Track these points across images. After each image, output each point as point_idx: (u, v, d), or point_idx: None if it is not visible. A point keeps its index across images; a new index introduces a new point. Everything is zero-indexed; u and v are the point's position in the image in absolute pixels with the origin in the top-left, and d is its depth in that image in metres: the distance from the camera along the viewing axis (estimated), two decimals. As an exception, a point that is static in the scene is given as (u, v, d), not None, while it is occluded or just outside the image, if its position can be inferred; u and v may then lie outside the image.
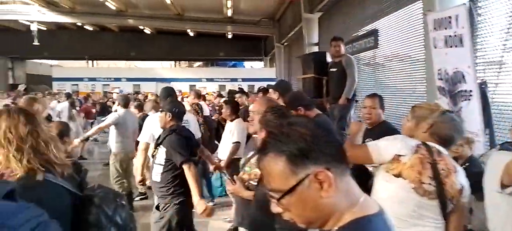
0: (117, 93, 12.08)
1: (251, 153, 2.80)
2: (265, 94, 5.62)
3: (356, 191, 0.99)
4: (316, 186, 0.92)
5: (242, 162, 2.80)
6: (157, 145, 3.42)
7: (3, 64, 24.71)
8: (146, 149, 4.24)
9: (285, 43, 17.54)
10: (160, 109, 3.67)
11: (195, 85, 21.98)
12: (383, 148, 2.00)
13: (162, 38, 23.80)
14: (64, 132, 2.72)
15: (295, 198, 0.93)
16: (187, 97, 14.54)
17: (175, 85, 21.20)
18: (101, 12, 18.07)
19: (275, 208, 0.98)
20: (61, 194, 1.62)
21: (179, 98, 12.83)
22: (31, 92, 14.49)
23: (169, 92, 4.83)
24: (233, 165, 4.83)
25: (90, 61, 27.10)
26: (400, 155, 1.93)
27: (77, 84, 22.72)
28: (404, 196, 1.90)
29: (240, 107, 5.72)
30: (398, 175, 1.92)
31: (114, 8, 17.21)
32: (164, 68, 28.60)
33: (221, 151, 5.22)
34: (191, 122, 4.72)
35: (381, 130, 3.11)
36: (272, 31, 18.76)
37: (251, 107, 2.74)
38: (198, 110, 6.05)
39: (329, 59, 5.76)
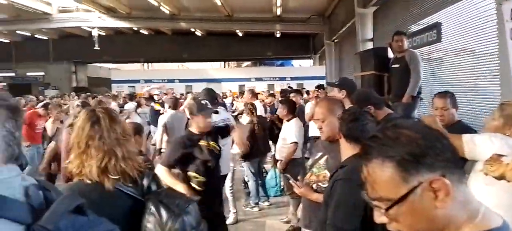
0: (157, 94, 12.33)
1: (319, 154, 2.70)
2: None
3: (474, 201, 0.88)
4: (430, 195, 0.83)
5: (309, 163, 2.71)
6: None
7: (68, 68, 26.54)
8: None
9: (336, 40, 17.12)
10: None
11: (244, 85, 22.22)
12: (480, 143, 1.82)
13: (212, 39, 24.29)
14: (138, 131, 2.79)
15: (405, 208, 0.84)
16: (236, 97, 14.77)
17: (225, 86, 21.68)
18: (156, 16, 18.78)
19: (379, 218, 0.89)
20: (126, 201, 1.59)
21: (229, 98, 12.93)
22: (93, 94, 15.47)
23: (211, 93, 4.71)
24: (290, 166, 4.77)
25: (145, 64, 28.29)
26: (500, 155, 1.74)
27: (134, 86, 23.86)
28: (509, 200, 1.71)
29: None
30: (500, 177, 1.73)
31: (167, 12, 17.82)
32: (214, 68, 29.19)
33: (278, 151, 5.16)
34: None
35: (457, 131, 2.87)
36: (322, 28, 18.40)
37: (316, 109, 2.61)
38: (252, 109, 6.05)
39: (390, 54, 5.48)
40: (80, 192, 1.45)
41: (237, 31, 22.02)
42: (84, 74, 28.45)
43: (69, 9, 19.01)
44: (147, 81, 24.76)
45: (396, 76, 5.04)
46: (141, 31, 22.78)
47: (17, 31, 22.14)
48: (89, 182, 1.54)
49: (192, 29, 21.90)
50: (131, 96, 12.05)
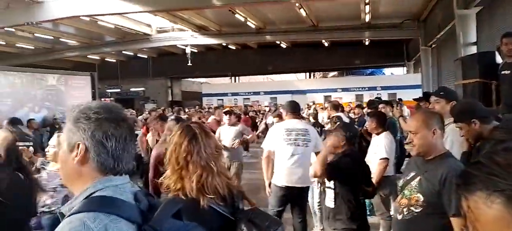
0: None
1: (412, 174, 2.35)
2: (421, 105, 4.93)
3: None
4: None
5: (400, 183, 2.37)
6: None
7: (164, 83, 28.83)
8: (269, 156, 4.27)
9: (433, 45, 15.75)
10: (331, 133, 3.56)
11: (330, 96, 21.65)
12: None
13: (297, 50, 24.27)
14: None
15: None
16: (321, 108, 14.37)
17: (310, 97, 21.38)
18: (243, 31, 19.43)
19: None
20: (217, 219, 1.60)
21: (311, 110, 12.63)
22: (186, 107, 16.47)
23: (294, 106, 4.62)
24: (382, 184, 4.35)
25: (233, 77, 29.42)
26: None
27: (222, 99, 24.92)
28: None
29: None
30: None
31: (254, 26, 18.30)
32: (299, 80, 29.07)
33: None
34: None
35: None
36: (417, 33, 17.10)
37: (409, 121, 2.29)
38: (337, 121, 5.72)
39: (498, 60, 4.73)
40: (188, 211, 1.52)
41: (323, 41, 21.65)
42: (178, 89, 30.60)
43: (165, 29, 20.67)
44: (234, 94, 25.70)
45: (507, 84, 4.30)
46: (229, 46, 23.75)
47: (123, 52, 24.78)
48: (184, 197, 1.56)
49: (277, 42, 22.13)
50: (216, 109, 12.45)
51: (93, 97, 11.97)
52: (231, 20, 17.29)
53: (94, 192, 0.99)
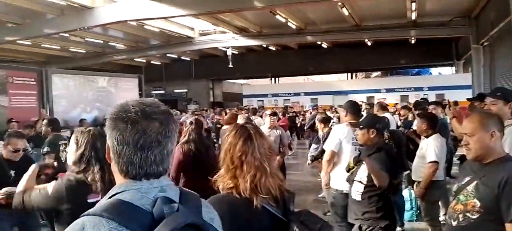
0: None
1: (467, 179, 2.22)
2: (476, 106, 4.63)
3: None
4: None
5: (454, 188, 2.25)
6: (357, 161, 3.22)
7: (206, 85, 29.44)
8: (332, 158, 4.04)
9: (485, 43, 14.85)
10: (359, 125, 3.41)
11: (373, 97, 21.06)
12: None
13: (338, 50, 23.86)
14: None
15: None
16: (363, 110, 13.96)
17: (353, 98, 20.90)
18: (283, 32, 19.41)
19: None
20: (270, 220, 1.61)
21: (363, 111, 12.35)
22: (227, 108, 16.71)
23: (355, 106, 4.35)
24: (431, 189, 4.16)
25: (273, 78, 29.45)
26: None
27: (262, 100, 25.03)
28: None
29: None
30: None
31: (294, 27, 18.21)
32: (340, 80, 28.55)
33: (415, 170, 4.56)
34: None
35: None
36: (467, 30, 16.23)
37: (465, 122, 2.15)
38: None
39: None
40: (230, 205, 1.53)
41: (366, 40, 21.11)
42: (219, 90, 31.13)
43: (208, 32, 21.11)
44: (274, 95, 25.72)
45: None
46: (270, 47, 23.80)
47: (167, 54, 25.59)
48: (238, 196, 1.58)
49: (318, 42, 21.88)
50: (255, 111, 12.49)
51: (140, 99, 12.45)
52: (271, 21, 17.32)
53: (116, 193, 0.98)
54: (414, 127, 5.97)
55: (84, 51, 23.59)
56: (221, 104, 24.85)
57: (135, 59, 26.00)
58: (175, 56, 26.81)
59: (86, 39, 19.78)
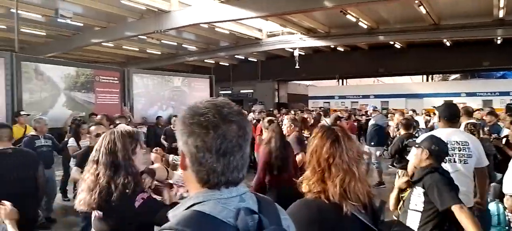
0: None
1: None
2: None
3: None
4: None
5: None
6: (413, 183, 2.75)
7: (272, 86, 29.58)
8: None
9: None
10: (416, 145, 2.96)
11: (451, 101, 19.53)
12: None
13: (413, 51, 22.52)
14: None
15: None
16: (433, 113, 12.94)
17: (427, 102, 19.60)
18: (353, 32, 18.82)
19: None
20: (359, 227, 1.52)
21: (421, 116, 11.43)
22: (292, 109, 16.62)
23: (452, 108, 3.70)
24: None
25: (340, 80, 28.70)
26: None
27: (328, 102, 24.50)
28: None
29: None
30: None
31: (365, 26, 17.57)
32: (414, 83, 26.94)
33: (507, 183, 4.07)
34: None
35: None
36: None
37: None
38: (473, 130, 5.03)
39: None
40: (319, 210, 1.49)
41: (444, 40, 19.67)
42: (285, 91, 31.10)
43: (275, 33, 21.19)
44: (341, 97, 25.04)
45: None
46: (338, 48, 23.26)
47: (235, 56, 26.19)
48: (327, 201, 1.53)
49: (391, 42, 20.87)
50: (326, 112, 12.20)
51: (211, 98, 12.90)
52: (341, 21, 16.88)
53: (194, 204, 0.92)
54: (504, 133, 5.40)
55: (159, 53, 25.03)
56: (286, 106, 24.79)
57: (205, 60, 27.00)
58: (243, 58, 27.33)
59: (161, 41, 20.96)
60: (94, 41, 18.92)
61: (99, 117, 6.60)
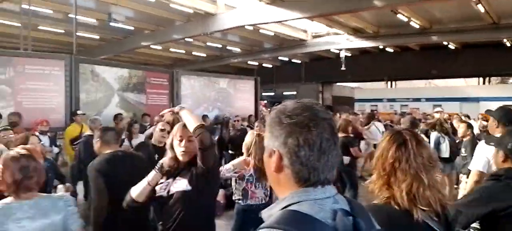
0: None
1: None
2: None
3: None
4: None
5: None
6: None
7: (315, 88, 29.12)
8: (480, 180, 3.27)
9: None
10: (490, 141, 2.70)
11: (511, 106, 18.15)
12: None
13: (468, 52, 21.23)
14: None
15: None
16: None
17: (484, 106, 18.30)
18: (404, 32, 18.06)
19: None
20: None
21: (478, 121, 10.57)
22: (337, 112, 16.19)
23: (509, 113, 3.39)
24: None
25: (389, 82, 27.65)
26: None
27: (376, 105, 23.65)
28: None
29: None
30: None
31: (417, 26, 16.78)
32: (469, 85, 25.34)
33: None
34: None
35: None
36: None
37: None
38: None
39: None
40: (389, 216, 1.43)
41: (505, 40, 18.33)
42: (329, 93, 30.50)
43: (320, 34, 20.83)
44: (390, 100, 24.06)
45: None
46: (386, 49, 22.44)
47: (279, 57, 26.09)
48: (396, 207, 1.46)
49: (445, 43, 19.78)
50: (371, 116, 11.66)
51: (255, 100, 12.90)
52: (391, 20, 16.25)
53: (289, 204, 0.92)
54: None
55: (204, 55, 25.52)
56: (331, 108, 24.24)
57: (248, 62, 27.13)
58: (286, 59, 27.17)
59: (207, 43, 21.32)
60: (143, 44, 19.62)
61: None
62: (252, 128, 9.36)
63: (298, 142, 0.92)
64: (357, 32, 19.13)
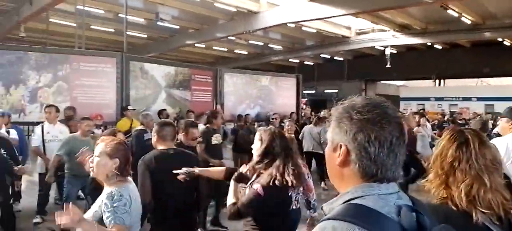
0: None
1: None
2: None
3: None
4: None
5: None
6: None
7: (358, 86, 28.43)
8: None
9: None
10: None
11: None
12: None
13: (526, 49, 19.81)
14: None
15: None
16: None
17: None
18: (454, 28, 17.18)
19: None
20: None
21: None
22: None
23: None
24: None
25: (436, 80, 26.44)
26: None
27: (423, 104, 22.73)
28: None
29: None
30: None
31: (469, 22, 15.91)
32: (525, 85, 23.67)
33: None
34: None
35: None
36: None
37: None
38: None
39: None
40: (446, 217, 1.37)
41: None
42: (373, 91, 29.66)
43: (365, 31, 20.31)
44: (438, 99, 23.05)
45: None
46: (435, 46, 21.47)
47: (321, 55, 25.76)
48: (454, 208, 1.41)
49: (499, 39, 18.59)
50: (422, 114, 11.18)
51: (297, 98, 12.85)
52: (440, 16, 15.55)
53: (353, 198, 0.92)
54: None
55: (246, 53, 25.75)
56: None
57: (289, 59, 27.02)
58: (328, 57, 26.77)
59: (249, 41, 21.51)
60: (188, 43, 20.16)
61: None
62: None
63: (369, 138, 0.93)
64: (403, 28, 18.47)
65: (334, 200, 0.98)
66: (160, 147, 3.11)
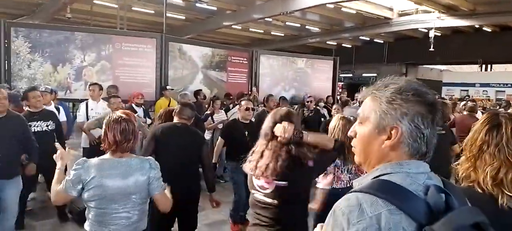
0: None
1: None
2: None
3: None
4: None
5: None
6: None
7: (398, 69, 27.43)
8: None
9: None
10: None
11: None
12: None
13: None
14: None
15: None
16: None
17: None
18: (506, 10, 16.04)
19: None
20: None
21: None
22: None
23: None
24: None
25: (483, 66, 24.99)
26: None
27: (467, 90, 21.64)
28: None
29: None
30: None
31: (523, 2, 14.81)
32: None
33: None
34: None
35: None
36: None
37: None
38: None
39: None
40: (471, 200, 1.33)
41: None
42: (414, 76, 28.49)
43: (408, 12, 19.44)
44: (483, 85, 21.84)
45: None
46: (483, 28, 20.21)
47: (360, 37, 25.01)
48: (480, 191, 1.40)
49: (557, 21, 17.20)
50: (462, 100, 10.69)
51: (333, 81, 12.64)
52: (492, -3, 14.54)
53: (382, 175, 0.95)
54: None
55: (282, 35, 25.47)
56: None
57: (327, 42, 26.47)
58: (367, 39, 25.95)
59: (286, 23, 21.24)
60: (225, 24, 20.21)
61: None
62: (328, 109, 9.26)
63: (426, 120, 0.97)
64: (449, 10, 17.46)
65: (365, 176, 1.02)
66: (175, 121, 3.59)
